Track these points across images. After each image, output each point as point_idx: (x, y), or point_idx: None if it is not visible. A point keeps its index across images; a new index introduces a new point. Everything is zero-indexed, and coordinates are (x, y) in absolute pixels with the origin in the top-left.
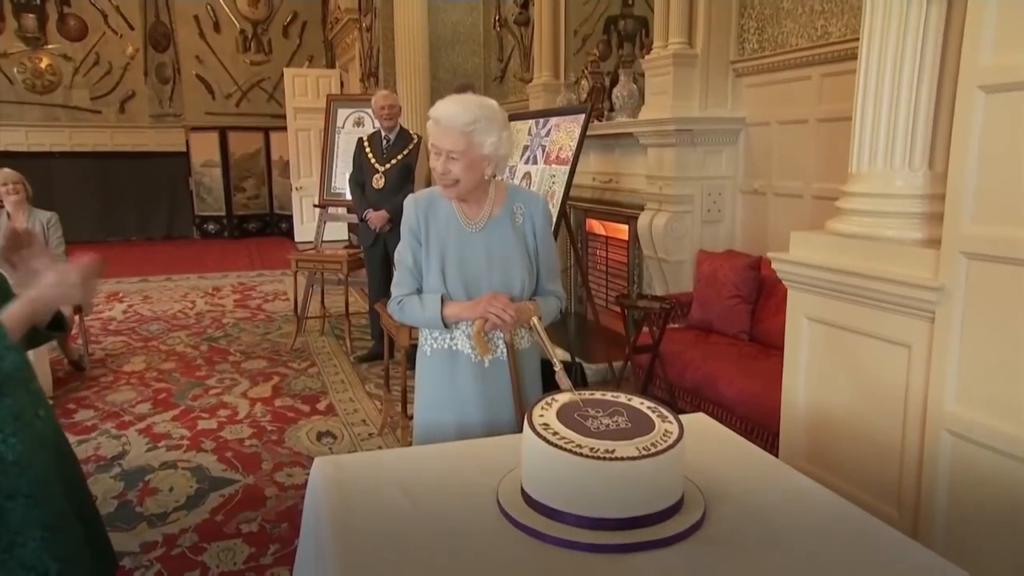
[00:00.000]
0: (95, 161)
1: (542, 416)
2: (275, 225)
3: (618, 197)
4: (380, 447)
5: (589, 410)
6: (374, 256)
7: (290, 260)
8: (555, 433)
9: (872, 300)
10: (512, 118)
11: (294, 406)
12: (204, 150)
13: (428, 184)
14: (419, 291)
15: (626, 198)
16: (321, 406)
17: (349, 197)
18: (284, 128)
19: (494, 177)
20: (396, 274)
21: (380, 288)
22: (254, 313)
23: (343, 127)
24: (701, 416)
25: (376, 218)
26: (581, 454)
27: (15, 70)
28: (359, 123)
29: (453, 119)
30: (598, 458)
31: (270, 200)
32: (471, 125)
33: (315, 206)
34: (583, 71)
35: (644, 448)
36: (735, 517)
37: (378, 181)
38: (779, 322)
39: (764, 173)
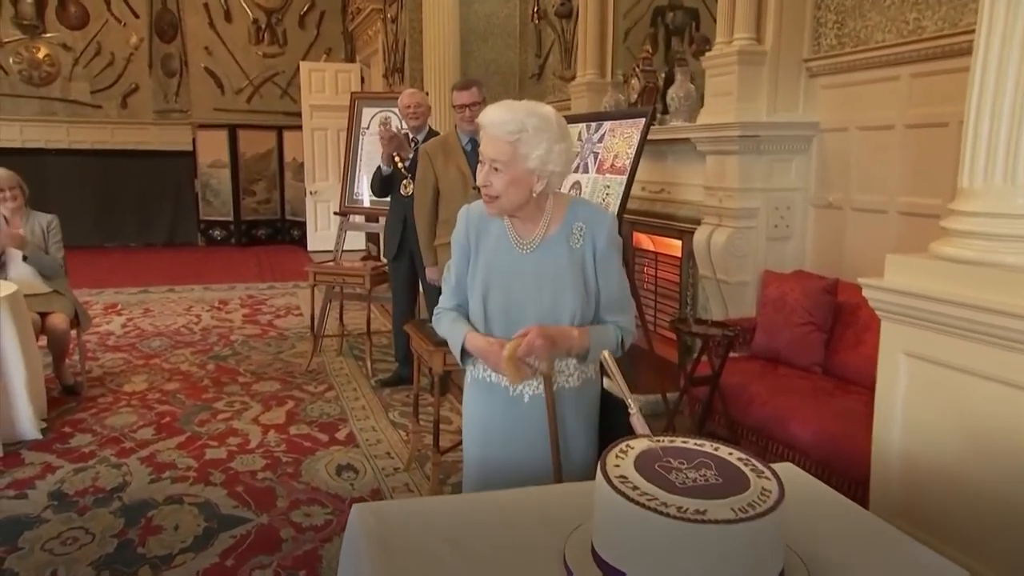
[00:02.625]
0: (94, 159)
1: (618, 466)
2: (286, 232)
3: (670, 209)
4: (407, 484)
5: (671, 460)
6: (399, 269)
7: (307, 272)
8: (635, 488)
9: (988, 336)
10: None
11: (311, 434)
12: (212, 149)
13: (435, 204)
14: (459, 307)
15: (680, 211)
16: (341, 435)
17: (372, 203)
18: (299, 127)
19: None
20: (443, 288)
21: (406, 306)
22: (265, 330)
23: (368, 128)
24: (788, 467)
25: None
26: (667, 514)
27: (11, 60)
28: (385, 123)
29: (498, 126)
30: (687, 520)
31: (282, 205)
32: (516, 134)
33: (335, 213)
34: (633, 69)
35: (740, 509)
36: None
37: (407, 188)
38: (859, 354)
39: (841, 185)
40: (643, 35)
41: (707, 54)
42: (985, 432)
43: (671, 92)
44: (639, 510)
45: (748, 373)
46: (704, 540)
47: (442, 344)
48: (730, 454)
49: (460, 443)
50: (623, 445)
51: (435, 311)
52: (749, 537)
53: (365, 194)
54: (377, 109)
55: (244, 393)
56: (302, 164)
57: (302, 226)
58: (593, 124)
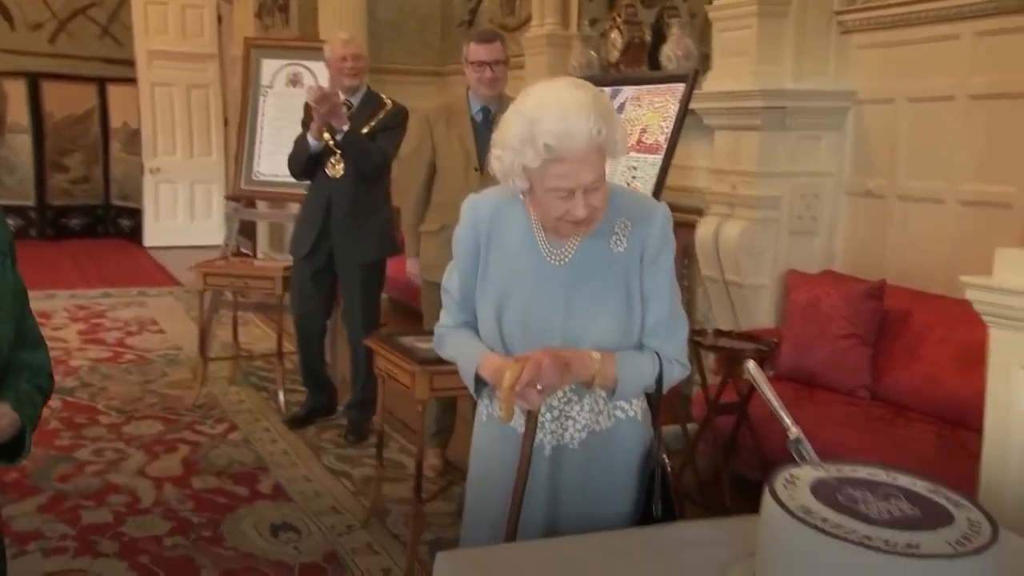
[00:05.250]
0: None
1: (793, 497)
2: (112, 222)
3: (666, 196)
4: (370, 544)
5: (850, 490)
6: (310, 271)
7: (196, 275)
8: (824, 519)
9: None
10: None
11: (223, 488)
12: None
13: (429, 183)
14: (467, 324)
15: (678, 198)
16: (264, 487)
17: (276, 184)
18: (132, 80)
19: None
20: (444, 300)
21: (316, 319)
22: (116, 352)
23: (271, 86)
24: None
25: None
26: (874, 548)
27: None
28: (296, 81)
29: (584, 134)
30: (898, 554)
31: (106, 186)
32: (599, 128)
33: (227, 198)
34: (614, 20)
35: (956, 543)
36: None
37: (335, 167)
38: (915, 373)
39: (884, 169)
40: None
41: (715, 3)
42: None
43: (666, 50)
44: (836, 544)
45: (782, 399)
46: None
47: (429, 362)
48: (914, 484)
49: (441, 492)
50: (787, 475)
51: (436, 330)
52: (969, 574)
53: (271, 173)
54: (283, 62)
55: (115, 438)
56: (137, 131)
57: (135, 214)
58: (607, 90)
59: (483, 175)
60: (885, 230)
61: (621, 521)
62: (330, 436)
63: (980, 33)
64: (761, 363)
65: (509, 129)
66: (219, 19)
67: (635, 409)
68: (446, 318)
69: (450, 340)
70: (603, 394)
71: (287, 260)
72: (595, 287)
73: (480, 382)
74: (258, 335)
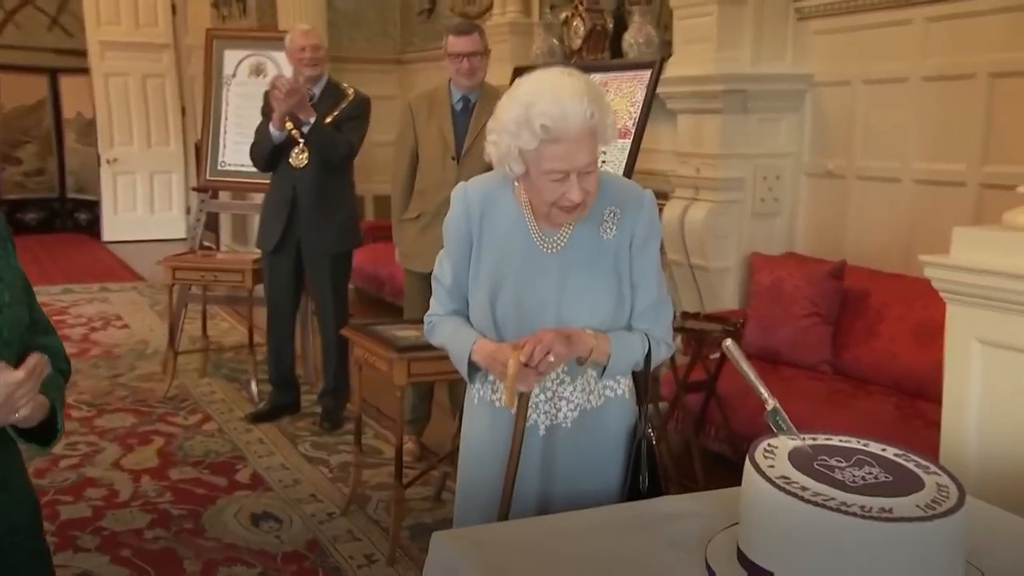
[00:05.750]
0: None
1: (772, 466)
2: (68, 216)
3: (634, 180)
4: (351, 531)
5: (826, 458)
6: (280, 265)
7: (165, 269)
8: (804, 488)
9: None
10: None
11: (201, 479)
12: None
13: (413, 171)
14: (458, 312)
15: (643, 182)
16: (242, 477)
17: (242, 174)
18: (84, 71)
19: None
20: (432, 286)
21: (287, 313)
22: (83, 347)
23: (234, 75)
24: None
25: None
26: (851, 513)
27: None
28: (259, 71)
29: (579, 115)
30: (873, 518)
31: (61, 178)
32: (592, 111)
33: (194, 189)
34: (576, 7)
35: (927, 506)
36: None
37: (299, 157)
38: (874, 349)
39: (842, 150)
40: None
41: None
42: None
43: (628, 37)
44: (815, 511)
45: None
46: (893, 540)
47: (406, 349)
48: (884, 450)
49: (421, 477)
50: (765, 445)
51: (427, 319)
52: (940, 536)
53: (235, 164)
54: (246, 52)
55: (87, 431)
56: (92, 121)
57: (93, 207)
58: None
59: (460, 163)
60: (844, 209)
61: (609, 496)
62: (305, 424)
63: (931, 18)
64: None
65: (504, 114)
66: (173, 8)
67: (623, 388)
68: (436, 307)
69: (440, 328)
70: (594, 374)
71: (250, 252)
72: (587, 274)
73: (472, 367)
74: (225, 328)
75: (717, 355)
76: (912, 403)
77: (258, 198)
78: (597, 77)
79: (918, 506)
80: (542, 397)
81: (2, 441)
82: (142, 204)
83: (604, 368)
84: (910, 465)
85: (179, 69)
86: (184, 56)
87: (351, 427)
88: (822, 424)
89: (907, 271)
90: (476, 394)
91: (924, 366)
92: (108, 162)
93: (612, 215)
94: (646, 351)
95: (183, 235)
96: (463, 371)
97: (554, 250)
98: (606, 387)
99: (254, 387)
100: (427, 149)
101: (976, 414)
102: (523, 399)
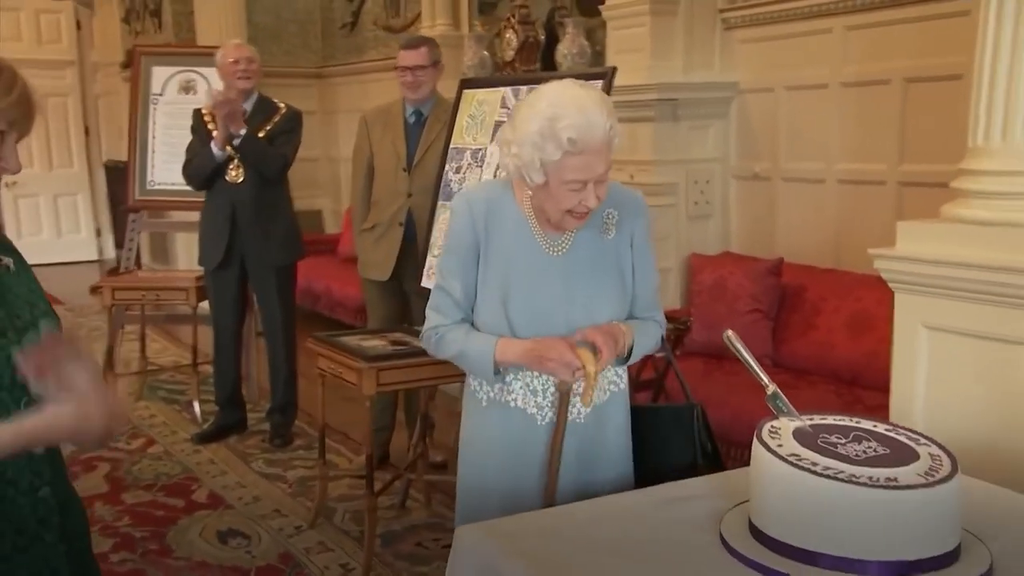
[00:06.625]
0: None
1: (781, 445)
2: None
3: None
4: (323, 543)
5: (827, 436)
6: (224, 283)
7: (101, 289)
8: (814, 463)
9: (1022, 299)
10: (469, 85)
11: (156, 500)
12: None
13: (371, 183)
14: (464, 322)
15: None
16: (199, 497)
17: (174, 193)
18: None
19: None
20: (434, 297)
21: (232, 332)
22: None
23: (163, 94)
24: None
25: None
26: (861, 483)
27: None
28: (189, 88)
29: (602, 127)
30: (882, 487)
31: None
32: (611, 123)
33: (126, 209)
34: (508, 20)
35: (927, 474)
36: None
37: (235, 173)
38: (811, 341)
39: (768, 153)
40: None
41: (608, 3)
42: (1018, 401)
43: (561, 49)
44: (828, 483)
45: (692, 373)
46: (900, 506)
47: (375, 359)
48: (875, 426)
49: (389, 486)
50: (769, 427)
51: (430, 332)
52: (942, 500)
53: (166, 182)
54: (175, 69)
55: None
56: None
57: None
58: (523, 88)
59: (411, 175)
60: (773, 210)
61: (623, 483)
62: (254, 442)
63: (850, 27)
64: (676, 341)
65: (527, 126)
66: (78, 24)
67: (623, 382)
68: (439, 318)
69: (451, 336)
70: (606, 370)
71: (175, 270)
72: (592, 274)
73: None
74: (158, 349)
75: (663, 354)
76: (850, 390)
77: (178, 215)
78: None
79: (919, 474)
80: (540, 395)
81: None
82: (48, 227)
83: (627, 357)
84: (901, 438)
85: (83, 87)
86: (89, 74)
87: (301, 442)
88: (768, 414)
89: (838, 266)
90: (484, 396)
91: (859, 355)
92: (7, 186)
93: (611, 217)
94: (661, 335)
95: (95, 257)
96: (485, 373)
97: (559, 253)
98: (611, 383)
99: (197, 408)
100: (381, 161)
101: (923, 395)
102: (566, 395)
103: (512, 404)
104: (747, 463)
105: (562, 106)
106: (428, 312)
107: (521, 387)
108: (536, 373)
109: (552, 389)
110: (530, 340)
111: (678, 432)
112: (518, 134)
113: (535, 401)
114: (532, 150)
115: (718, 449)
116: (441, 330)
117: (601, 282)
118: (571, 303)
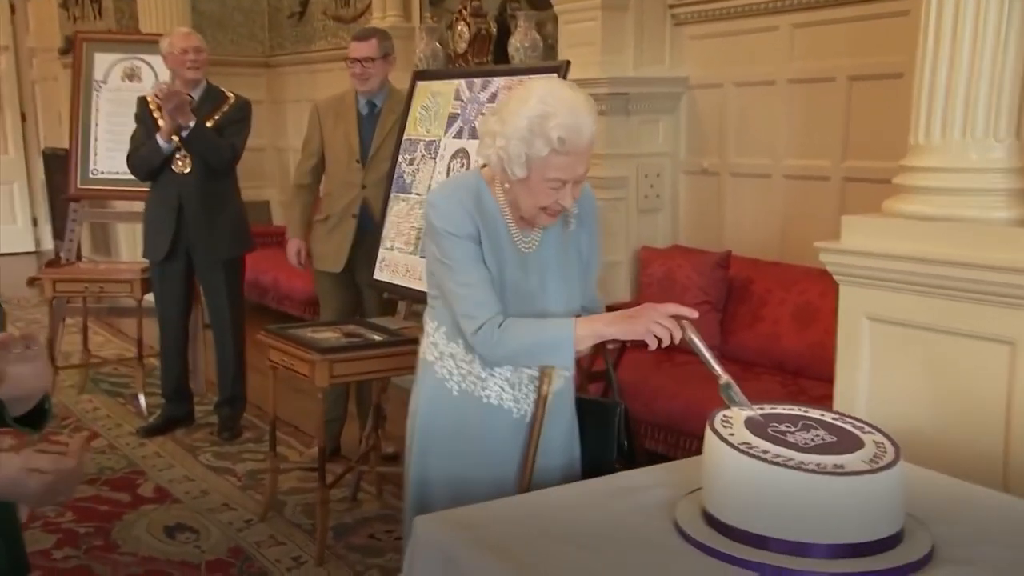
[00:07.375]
0: None
1: (732, 434)
2: None
3: None
4: (273, 536)
5: (777, 424)
6: (171, 274)
7: (40, 281)
8: (765, 451)
9: (961, 292)
10: (422, 77)
11: (101, 495)
12: None
13: (317, 171)
14: (502, 313)
15: None
16: (145, 491)
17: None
18: None
19: None
20: (461, 303)
21: (179, 324)
22: None
23: (106, 81)
24: None
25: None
26: (809, 470)
27: None
28: (133, 75)
29: (589, 129)
30: (829, 474)
31: None
32: (596, 127)
33: (67, 199)
34: (460, 12)
35: (871, 461)
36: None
37: (182, 164)
38: (758, 333)
39: (716, 148)
40: None
41: None
42: (957, 390)
43: (514, 42)
44: (778, 470)
45: (643, 365)
46: (847, 491)
47: (328, 351)
48: (822, 415)
49: (341, 478)
50: (722, 416)
51: (487, 326)
52: (886, 486)
53: (108, 171)
54: (118, 56)
55: None
56: None
57: None
58: (477, 81)
59: (366, 167)
60: (721, 204)
61: (573, 470)
62: (202, 436)
63: (796, 25)
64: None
65: (516, 121)
66: (12, 8)
67: (571, 370)
68: (482, 311)
69: (513, 326)
70: None
71: (117, 261)
72: (560, 268)
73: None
74: (100, 342)
75: (614, 346)
76: (795, 381)
77: (121, 206)
78: (503, 81)
79: (864, 461)
80: (531, 387)
81: None
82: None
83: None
84: (847, 427)
85: (19, 73)
86: (25, 59)
87: (250, 435)
88: (717, 405)
89: (783, 259)
90: (456, 386)
91: (803, 346)
92: None
93: (571, 211)
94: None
95: (31, 248)
96: (562, 360)
97: (531, 249)
98: (561, 371)
99: (143, 401)
100: (333, 152)
101: (866, 385)
102: (543, 378)
103: (485, 400)
104: (698, 454)
105: (554, 105)
106: (464, 320)
107: (496, 382)
108: (514, 368)
109: (528, 383)
110: (610, 314)
111: (598, 427)
112: (506, 127)
113: (512, 395)
114: (520, 144)
115: (635, 449)
116: (498, 319)
117: (568, 275)
118: (544, 295)
